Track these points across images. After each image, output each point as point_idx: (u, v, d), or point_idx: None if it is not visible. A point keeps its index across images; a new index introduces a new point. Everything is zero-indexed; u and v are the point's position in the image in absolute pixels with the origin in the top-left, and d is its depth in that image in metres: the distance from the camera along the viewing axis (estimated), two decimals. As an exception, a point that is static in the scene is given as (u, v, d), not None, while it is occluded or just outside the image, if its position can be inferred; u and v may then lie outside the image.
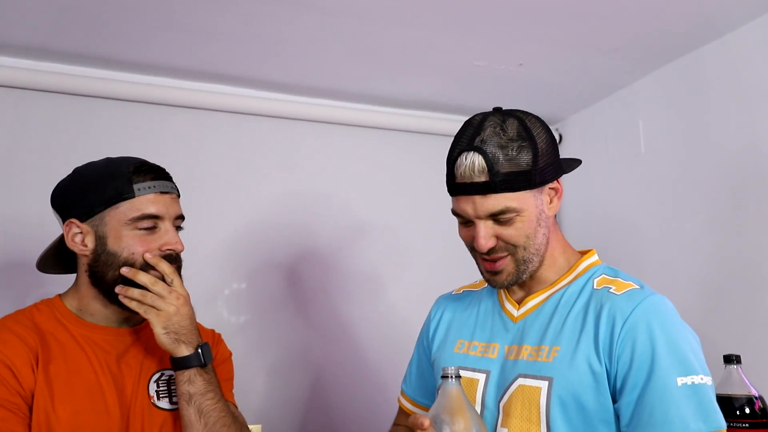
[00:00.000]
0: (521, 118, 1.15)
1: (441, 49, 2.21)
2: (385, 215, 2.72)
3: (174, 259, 1.28)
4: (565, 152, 2.82)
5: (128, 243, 1.23)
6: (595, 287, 1.17)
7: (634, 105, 2.54)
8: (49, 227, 1.41)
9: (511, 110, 1.18)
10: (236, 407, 1.40)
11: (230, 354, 1.49)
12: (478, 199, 1.12)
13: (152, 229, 1.25)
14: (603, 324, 1.09)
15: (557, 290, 1.21)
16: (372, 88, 2.56)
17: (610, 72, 2.44)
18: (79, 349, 1.25)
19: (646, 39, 2.17)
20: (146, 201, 1.24)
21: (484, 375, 1.20)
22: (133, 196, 1.23)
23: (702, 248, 2.20)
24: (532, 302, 1.22)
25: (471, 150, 1.11)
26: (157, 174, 1.28)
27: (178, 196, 1.33)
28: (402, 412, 1.43)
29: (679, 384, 1.02)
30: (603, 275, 1.19)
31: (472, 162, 1.11)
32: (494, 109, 1.19)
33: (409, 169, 2.78)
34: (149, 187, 1.25)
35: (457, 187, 1.14)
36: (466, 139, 1.14)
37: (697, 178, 2.24)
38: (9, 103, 2.22)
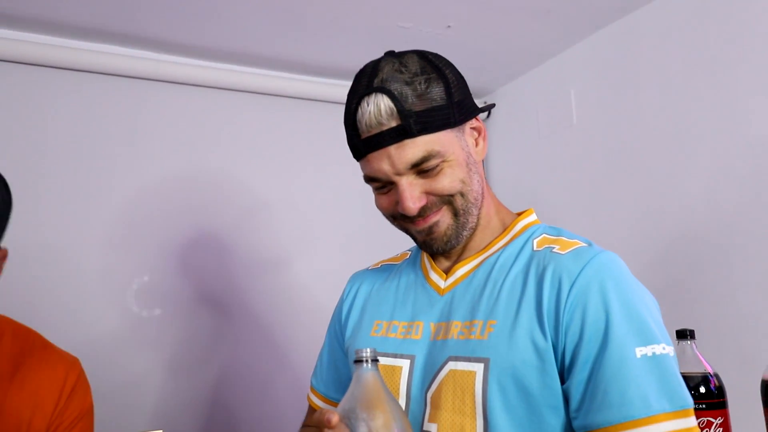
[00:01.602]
0: (420, 52, 1.04)
1: (362, 9, 2.15)
2: (293, 192, 2.66)
3: None
4: (493, 126, 2.95)
5: None
6: (535, 248, 1.05)
7: (564, 75, 2.54)
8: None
9: (404, 51, 1.06)
10: None
11: (90, 406, 1.27)
12: (393, 150, 0.98)
13: None
14: (546, 289, 0.97)
15: (490, 255, 1.08)
16: (284, 52, 2.48)
17: (541, 38, 2.44)
18: None
19: (578, 2, 2.17)
20: None
21: (408, 361, 1.06)
22: None
23: (636, 219, 2.22)
24: (461, 270, 1.09)
25: (371, 92, 0.97)
26: None
27: None
28: (312, 410, 1.28)
29: (638, 355, 0.90)
30: (544, 234, 1.07)
31: (377, 105, 0.97)
32: (386, 53, 1.06)
33: (319, 140, 2.71)
34: None
35: (365, 143, 1.00)
36: (362, 85, 1.00)
37: (631, 149, 2.25)
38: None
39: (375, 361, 0.92)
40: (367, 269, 1.30)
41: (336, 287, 2.67)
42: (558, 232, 1.09)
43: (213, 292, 2.47)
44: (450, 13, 2.20)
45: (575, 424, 0.92)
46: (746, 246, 1.89)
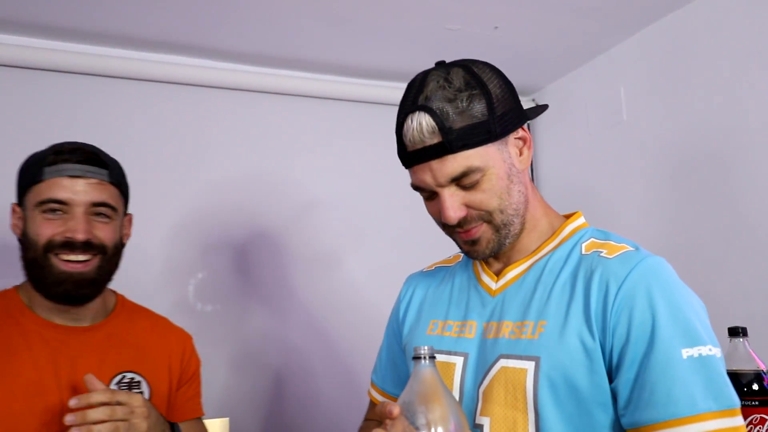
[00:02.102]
0: (467, 65, 1.05)
1: (411, 12, 2.17)
2: (352, 192, 2.68)
3: (85, 246, 1.25)
4: (542, 123, 2.92)
5: (35, 226, 1.24)
6: (583, 252, 1.07)
7: (614, 71, 2.52)
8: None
9: (454, 61, 1.09)
10: (201, 418, 1.48)
11: (199, 364, 1.51)
12: (434, 164, 1.02)
13: (57, 212, 1.24)
14: (594, 292, 1.00)
15: (540, 258, 1.11)
16: (336, 57, 2.52)
17: (589, 36, 2.42)
18: (25, 347, 1.25)
19: None
20: (53, 185, 1.24)
21: (462, 358, 1.10)
22: (42, 180, 1.25)
23: (688, 217, 2.18)
24: (512, 273, 1.12)
25: (415, 110, 1.01)
26: (72, 157, 1.27)
27: (108, 181, 1.30)
28: (373, 405, 1.32)
29: (685, 356, 0.92)
30: (592, 239, 1.09)
31: (419, 123, 1.01)
32: (436, 63, 1.09)
33: (371, 141, 2.71)
34: (58, 171, 1.25)
35: (410, 156, 1.04)
36: (409, 100, 1.04)
37: (684, 145, 2.22)
38: None
39: (432, 357, 0.96)
40: (421, 272, 1.34)
41: (386, 285, 2.68)
42: (606, 236, 1.11)
43: (267, 289, 2.51)
44: (497, 14, 2.19)
45: (623, 421, 0.95)
46: None
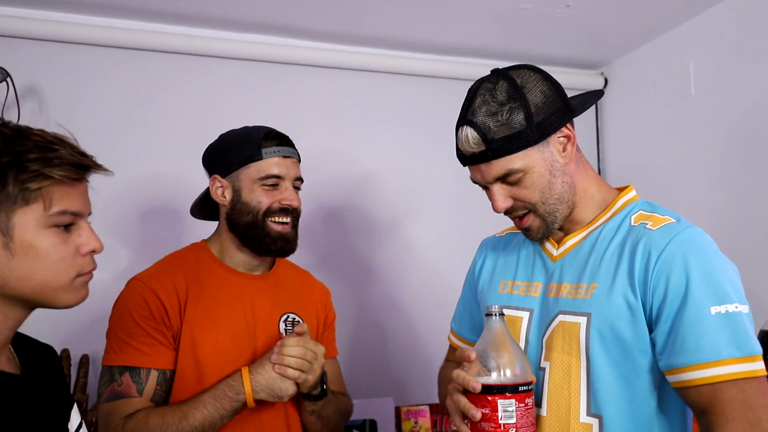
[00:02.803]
0: (511, 77, 1.16)
1: None
2: (413, 169, 2.73)
3: (291, 212, 1.45)
4: (609, 97, 2.90)
5: (256, 196, 1.43)
6: (632, 224, 1.17)
7: (684, 46, 2.49)
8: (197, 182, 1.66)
9: (506, 69, 1.19)
10: (336, 357, 1.65)
11: (335, 314, 1.69)
12: (482, 167, 1.16)
13: (275, 186, 1.44)
14: (638, 259, 1.10)
15: (595, 228, 1.21)
16: (413, 34, 2.54)
17: (660, 12, 2.39)
18: (222, 289, 1.46)
19: None
20: (271, 163, 1.43)
21: (528, 313, 1.22)
22: (261, 159, 1.43)
23: (755, 193, 2.17)
24: (570, 242, 1.23)
25: (464, 124, 1.15)
26: (281, 141, 1.47)
27: (299, 160, 1.51)
28: (452, 349, 1.47)
29: (713, 312, 1.03)
30: (641, 211, 1.19)
31: (467, 136, 1.15)
32: (491, 72, 1.19)
33: (437, 114, 2.67)
34: (274, 152, 1.44)
35: (463, 158, 1.19)
36: (462, 112, 1.18)
37: (752, 120, 2.19)
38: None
39: (501, 315, 1.11)
40: (494, 237, 1.46)
41: (441, 247, 2.75)
42: (653, 209, 1.19)
43: (335, 261, 2.55)
44: None
45: (660, 364, 1.07)
46: None
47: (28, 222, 0.92)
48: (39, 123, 2.17)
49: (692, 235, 1.09)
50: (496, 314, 1.11)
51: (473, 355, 1.07)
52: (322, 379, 1.40)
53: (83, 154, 0.98)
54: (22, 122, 2.18)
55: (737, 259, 1.16)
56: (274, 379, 1.33)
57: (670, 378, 1.06)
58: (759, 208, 2.13)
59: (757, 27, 2.15)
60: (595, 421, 1.10)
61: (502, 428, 1.03)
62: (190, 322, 1.38)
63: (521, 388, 1.04)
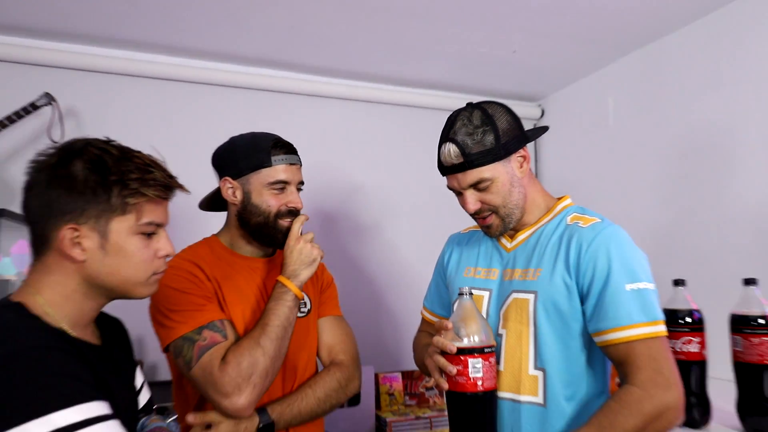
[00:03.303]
0: (484, 108, 1.19)
1: (451, 38, 2.23)
2: (390, 181, 2.71)
3: (296, 212, 1.39)
4: (545, 123, 2.87)
5: (266, 199, 1.36)
6: (568, 223, 1.21)
7: (604, 85, 2.55)
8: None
9: (478, 102, 1.22)
10: (338, 316, 1.55)
11: (332, 278, 1.61)
12: (459, 175, 1.19)
13: (282, 189, 1.36)
14: (572, 250, 1.15)
15: (539, 227, 1.25)
16: (392, 70, 2.56)
17: (586, 58, 2.47)
18: (239, 272, 1.40)
19: (616, 31, 2.20)
20: (279, 170, 1.36)
21: (488, 292, 1.26)
22: (270, 166, 1.35)
23: (655, 203, 2.25)
24: (520, 237, 1.26)
25: (447, 141, 1.18)
26: (288, 149, 1.39)
27: (300, 166, 1.43)
28: (424, 321, 1.49)
29: (628, 289, 1.08)
30: (574, 213, 1.23)
31: (449, 150, 1.17)
32: (468, 103, 1.23)
33: (410, 139, 2.73)
34: (282, 160, 1.36)
35: (444, 168, 1.21)
36: (444, 132, 1.20)
37: (653, 147, 2.28)
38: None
39: (471, 294, 1.16)
40: (459, 233, 1.47)
41: (415, 246, 2.73)
42: (583, 211, 1.23)
43: (326, 252, 2.59)
44: (515, 41, 2.26)
45: (589, 328, 1.12)
46: (715, 236, 1.94)
47: (122, 228, 0.94)
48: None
49: (613, 231, 1.14)
50: (466, 294, 1.15)
51: (450, 325, 1.11)
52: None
53: (171, 177, 0.99)
54: (66, 139, 2.19)
55: (651, 253, 1.19)
56: (299, 252, 1.32)
57: (596, 339, 1.10)
58: (659, 213, 2.20)
59: (661, 72, 2.23)
60: (540, 373, 1.14)
61: (471, 380, 1.08)
62: (221, 297, 1.34)
63: (486, 350, 1.10)
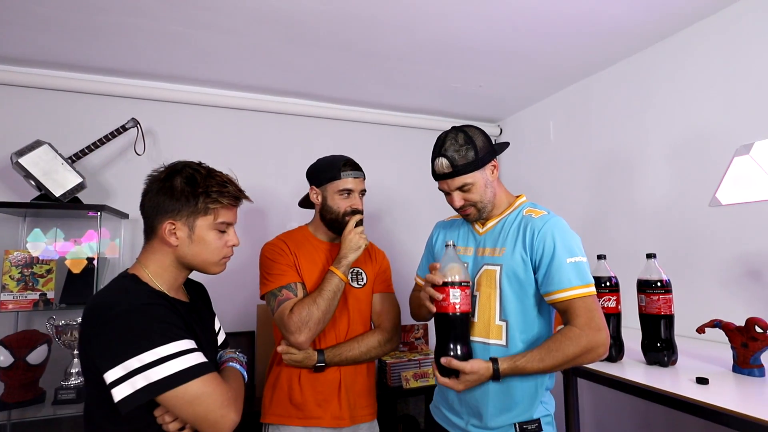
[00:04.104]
0: (466, 131, 1.19)
1: (433, 76, 2.23)
2: (389, 182, 2.70)
3: (359, 212, 1.42)
4: (503, 140, 2.86)
5: (336, 202, 1.40)
6: (524, 214, 1.21)
7: (547, 111, 2.55)
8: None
9: (461, 126, 1.22)
10: (389, 293, 1.53)
11: (388, 264, 1.60)
12: (449, 181, 1.19)
13: (349, 195, 1.41)
14: (528, 234, 1.15)
15: (503, 217, 1.24)
16: (390, 100, 2.57)
17: (533, 91, 2.47)
18: (316, 252, 1.43)
19: (554, 71, 2.21)
20: (347, 181, 1.41)
21: (465, 264, 1.20)
22: (340, 178, 1.40)
23: (585, 200, 2.27)
24: (489, 224, 1.25)
25: (440, 156, 1.18)
26: (353, 167, 1.43)
27: (364, 178, 1.45)
28: (416, 286, 1.46)
29: (568, 262, 1.09)
30: (528, 207, 1.23)
31: (441, 162, 1.18)
32: (452, 127, 1.22)
33: (404, 152, 2.74)
34: (348, 174, 1.41)
35: (437, 176, 1.21)
36: (436, 149, 1.20)
37: (583, 157, 2.29)
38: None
39: (454, 246, 1.16)
40: (443, 220, 1.44)
41: (405, 231, 2.70)
42: (535, 206, 1.23)
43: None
44: (481, 79, 2.27)
45: (540, 291, 1.13)
46: (623, 226, 1.96)
47: (204, 225, 1.01)
48: (155, 152, 2.25)
49: (556, 221, 1.16)
50: (451, 245, 1.15)
51: (438, 265, 1.12)
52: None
53: (240, 190, 1.06)
54: (146, 153, 2.22)
55: (584, 237, 1.22)
56: (350, 240, 1.35)
57: (546, 298, 1.11)
58: (590, 210, 2.20)
59: (590, 103, 2.24)
60: (503, 323, 1.14)
61: (452, 304, 1.07)
62: (298, 266, 1.38)
63: (462, 284, 1.09)
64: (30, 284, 1.88)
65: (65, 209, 1.93)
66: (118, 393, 0.83)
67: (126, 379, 0.84)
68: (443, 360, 1.08)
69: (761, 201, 1.28)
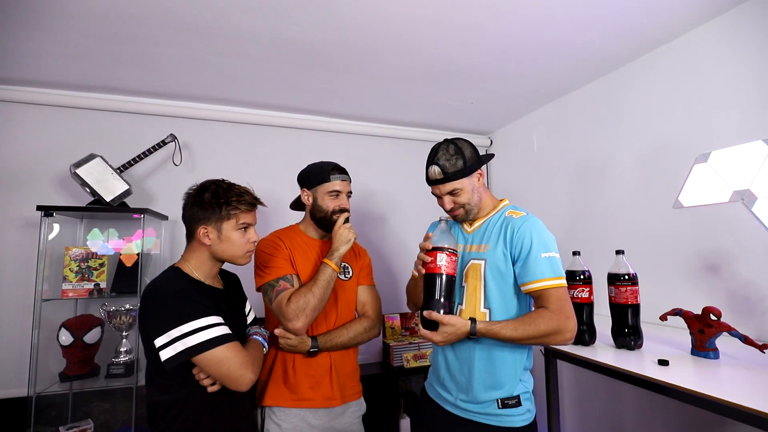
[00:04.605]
0: (456, 143, 1.18)
1: (431, 94, 2.21)
2: (391, 188, 2.70)
3: (346, 210, 1.38)
4: (493, 151, 2.81)
5: (326, 202, 1.37)
6: (506, 215, 1.20)
7: (531, 124, 2.52)
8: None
9: (452, 138, 1.21)
10: (371, 285, 1.48)
11: (369, 259, 1.55)
12: (440, 186, 1.19)
13: (337, 196, 1.37)
14: (508, 233, 1.15)
15: (488, 218, 1.23)
16: (386, 114, 2.54)
17: (518, 107, 2.44)
18: (308, 248, 1.39)
19: (535, 90, 2.18)
20: (335, 183, 1.37)
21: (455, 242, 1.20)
22: (329, 181, 1.36)
23: (564, 202, 2.24)
24: (476, 224, 1.24)
25: (433, 164, 1.18)
26: (341, 171, 1.39)
27: (350, 181, 1.41)
28: (413, 277, 1.34)
29: (542, 257, 1.09)
30: (510, 209, 1.22)
31: (434, 170, 1.17)
32: (444, 139, 1.22)
33: (403, 162, 2.71)
34: (336, 177, 1.37)
35: (430, 181, 1.20)
36: (430, 158, 1.20)
37: (563, 165, 2.27)
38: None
39: (446, 221, 1.16)
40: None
41: (408, 231, 2.65)
42: (515, 208, 1.23)
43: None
44: (472, 97, 2.24)
45: (518, 282, 1.12)
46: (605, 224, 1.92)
47: (229, 227, 1.11)
48: (191, 163, 2.25)
49: (533, 221, 1.15)
50: (442, 220, 1.16)
51: (430, 235, 1.13)
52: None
53: (255, 198, 1.14)
54: (183, 164, 2.22)
55: (561, 241, 1.20)
56: (341, 234, 1.30)
57: (523, 288, 1.11)
58: (571, 212, 2.17)
59: (567, 118, 2.20)
60: (487, 311, 1.14)
61: (438, 266, 1.08)
62: (293, 259, 1.34)
63: (448, 250, 1.09)
64: (86, 276, 1.92)
65: (114, 212, 1.97)
66: (164, 355, 0.98)
67: (169, 345, 0.97)
68: (425, 312, 1.07)
69: (718, 203, 1.25)
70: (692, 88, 1.64)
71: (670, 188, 1.68)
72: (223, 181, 1.14)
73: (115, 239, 2.02)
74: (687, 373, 1.06)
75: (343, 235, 1.32)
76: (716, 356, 1.17)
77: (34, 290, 1.81)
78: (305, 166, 1.44)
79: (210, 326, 0.99)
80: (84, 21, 1.56)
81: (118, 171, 1.99)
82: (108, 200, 1.94)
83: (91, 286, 1.91)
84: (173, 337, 0.97)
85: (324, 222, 1.38)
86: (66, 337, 1.83)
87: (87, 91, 2.12)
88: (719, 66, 1.55)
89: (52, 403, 1.94)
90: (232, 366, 1.00)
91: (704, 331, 1.18)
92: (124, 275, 2.00)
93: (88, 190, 1.93)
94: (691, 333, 1.22)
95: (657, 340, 1.39)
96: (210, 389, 1.04)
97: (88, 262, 1.93)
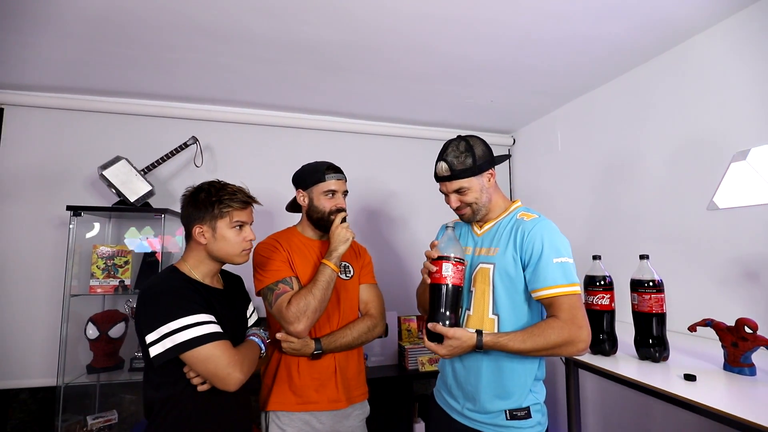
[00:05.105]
0: (467, 139, 1.16)
1: (448, 93, 2.20)
2: (411, 189, 2.67)
3: (343, 209, 1.36)
4: (517, 149, 2.80)
5: (322, 203, 1.34)
6: (517, 218, 1.17)
7: (555, 122, 2.47)
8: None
9: (465, 135, 1.18)
10: (373, 284, 1.46)
11: (370, 258, 1.53)
12: (447, 183, 1.16)
13: (333, 195, 1.35)
14: (519, 236, 1.12)
15: (499, 220, 1.21)
16: (404, 113, 2.52)
17: (542, 105, 2.39)
18: (306, 249, 1.36)
19: (560, 87, 2.13)
20: (330, 183, 1.34)
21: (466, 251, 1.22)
22: (324, 181, 1.34)
23: (588, 203, 2.19)
24: (486, 227, 1.22)
25: (441, 160, 1.16)
26: (336, 170, 1.37)
27: (346, 180, 1.40)
28: (422, 280, 1.42)
29: (554, 262, 1.05)
30: (522, 211, 1.19)
31: (442, 166, 1.15)
32: (457, 135, 1.20)
33: (418, 162, 2.65)
34: (332, 177, 1.35)
35: (438, 178, 1.19)
36: (440, 154, 1.18)
37: (587, 164, 2.21)
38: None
39: (453, 228, 1.13)
40: (447, 223, 1.39)
41: (427, 233, 2.61)
42: (528, 210, 1.18)
43: (372, 239, 2.50)
44: (493, 95, 2.20)
45: (529, 288, 1.09)
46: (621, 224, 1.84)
47: (223, 226, 1.11)
48: (212, 164, 2.29)
49: (545, 224, 1.11)
50: (448, 227, 1.13)
51: (436, 243, 1.11)
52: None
53: (249, 195, 1.14)
54: (204, 165, 2.28)
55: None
56: (338, 234, 1.28)
57: (533, 294, 1.07)
58: (593, 212, 2.13)
59: (591, 115, 2.15)
60: (495, 317, 1.11)
61: (443, 276, 1.05)
62: (292, 262, 1.32)
63: (454, 259, 1.06)
64: (112, 273, 1.99)
65: (137, 212, 2.04)
66: (153, 351, 0.98)
67: (159, 341, 0.98)
68: (430, 325, 1.05)
69: (758, 205, 1.14)
70: (729, 81, 1.55)
71: (703, 188, 1.59)
72: (217, 181, 1.15)
73: (152, 237, 2.10)
74: (718, 391, 0.99)
75: (341, 235, 1.30)
76: (752, 373, 1.09)
77: (63, 286, 1.89)
78: (299, 167, 1.42)
79: (199, 324, 0.99)
80: (109, 30, 1.63)
81: (142, 173, 2.06)
82: (132, 200, 2.01)
83: (116, 282, 1.99)
84: (162, 333, 0.97)
85: (321, 222, 1.36)
86: (92, 331, 1.92)
87: (111, 96, 2.20)
88: (759, 55, 1.45)
89: (80, 393, 2.03)
90: (219, 364, 0.99)
91: (738, 344, 1.10)
92: (146, 273, 2.07)
93: (114, 191, 2.01)
94: (723, 346, 1.15)
95: (686, 353, 1.31)
96: (200, 388, 1.03)
97: (113, 259, 2.01)
